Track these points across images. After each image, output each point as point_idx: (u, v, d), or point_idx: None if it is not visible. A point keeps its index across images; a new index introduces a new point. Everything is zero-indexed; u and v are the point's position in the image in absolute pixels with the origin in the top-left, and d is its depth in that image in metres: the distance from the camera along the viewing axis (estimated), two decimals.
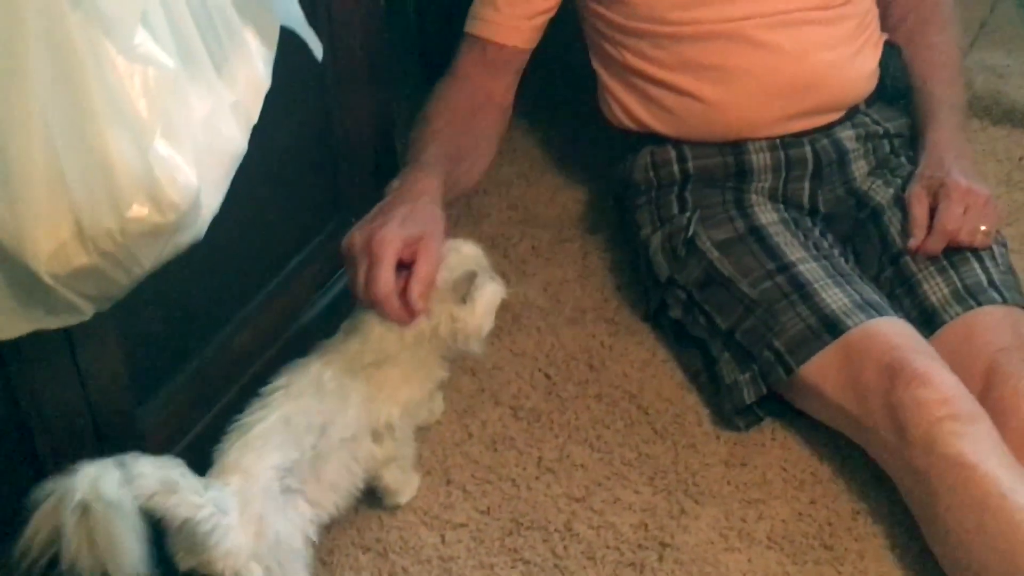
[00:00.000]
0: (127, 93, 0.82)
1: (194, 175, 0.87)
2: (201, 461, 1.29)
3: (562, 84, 2.07)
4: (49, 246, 0.84)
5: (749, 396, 1.46)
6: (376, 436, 1.31)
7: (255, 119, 1.01)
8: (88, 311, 0.92)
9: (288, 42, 1.08)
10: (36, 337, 0.94)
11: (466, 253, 1.35)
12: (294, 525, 1.22)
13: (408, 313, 1.27)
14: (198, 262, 1.19)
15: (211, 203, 0.95)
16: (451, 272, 1.31)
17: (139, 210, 0.84)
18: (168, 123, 0.85)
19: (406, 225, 1.30)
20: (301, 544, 1.23)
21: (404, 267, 1.28)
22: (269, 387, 1.28)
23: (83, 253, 0.85)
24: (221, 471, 1.20)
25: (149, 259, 0.89)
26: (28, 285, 0.87)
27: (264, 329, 1.40)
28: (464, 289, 1.31)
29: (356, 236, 1.30)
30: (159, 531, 1.10)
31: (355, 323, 1.33)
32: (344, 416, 1.27)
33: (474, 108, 1.59)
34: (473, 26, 1.63)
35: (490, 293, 1.34)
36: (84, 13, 0.80)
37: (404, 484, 1.39)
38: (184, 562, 1.15)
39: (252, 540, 1.17)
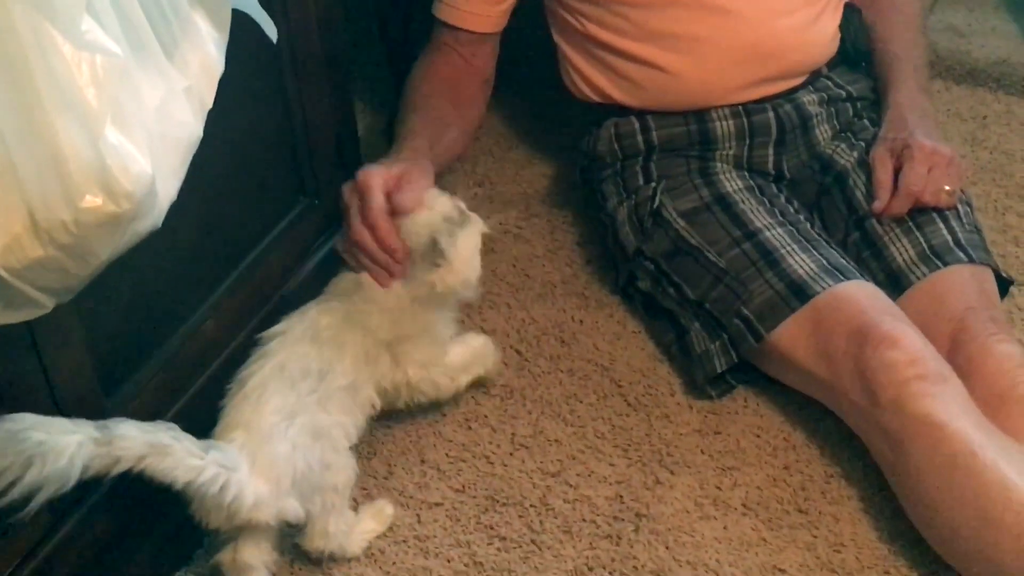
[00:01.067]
0: (75, 82, 0.81)
1: (148, 163, 0.86)
2: None
3: (526, 60, 2.05)
4: (2, 240, 0.83)
5: (720, 365, 1.46)
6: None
7: (210, 104, 1.00)
8: (48, 304, 0.91)
9: (242, 26, 1.07)
10: None
11: (435, 210, 1.35)
12: (318, 449, 1.24)
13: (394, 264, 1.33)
14: (161, 251, 1.19)
15: (168, 191, 0.94)
16: (422, 228, 1.34)
17: (92, 200, 0.83)
18: (118, 111, 0.84)
19: (388, 163, 1.38)
20: (337, 459, 1.27)
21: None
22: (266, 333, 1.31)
23: (38, 246, 0.84)
24: (224, 428, 1.21)
25: (106, 249, 0.88)
26: None
27: (231, 316, 1.39)
28: (435, 254, 1.32)
29: (346, 184, 1.37)
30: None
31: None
32: (342, 364, 1.30)
33: (457, 77, 1.63)
34: (440, 10, 1.64)
35: (463, 241, 1.35)
36: (28, 1, 0.79)
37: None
38: (213, 523, 1.18)
39: (273, 486, 1.19)
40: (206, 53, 0.99)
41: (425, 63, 1.64)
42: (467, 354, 1.45)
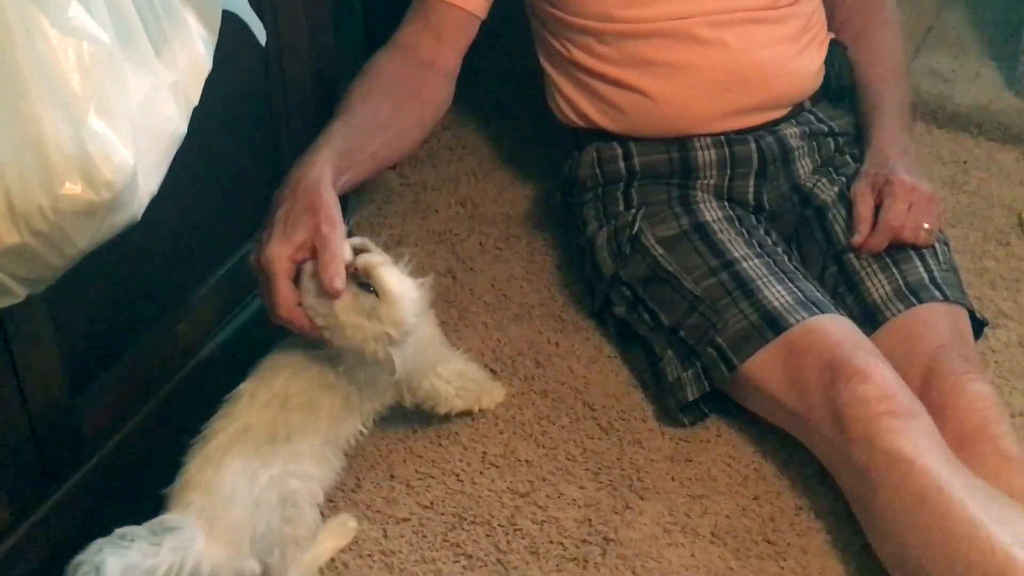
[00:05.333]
0: (60, 67, 0.80)
1: (130, 154, 0.85)
2: (138, 453, 1.28)
3: (512, 83, 2.07)
4: None
5: (692, 393, 1.46)
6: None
7: (195, 102, 0.99)
8: (21, 293, 0.90)
9: (230, 26, 1.07)
10: None
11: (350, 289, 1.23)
12: (281, 507, 1.22)
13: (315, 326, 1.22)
14: (137, 250, 1.18)
15: (149, 184, 0.93)
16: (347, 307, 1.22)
17: (72, 188, 0.82)
18: (103, 99, 0.83)
19: (289, 228, 1.23)
20: (300, 515, 1.24)
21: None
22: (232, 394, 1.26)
23: (14, 231, 0.83)
24: (183, 488, 1.19)
25: (83, 239, 0.87)
26: None
27: (206, 320, 1.38)
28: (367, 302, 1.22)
29: (251, 258, 1.26)
30: None
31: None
32: (315, 425, 1.27)
33: (408, 77, 1.53)
34: None
35: (387, 277, 1.22)
36: None
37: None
38: None
39: (232, 550, 1.17)
40: (194, 51, 0.99)
41: (373, 64, 1.53)
42: (470, 373, 1.46)
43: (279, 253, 1.23)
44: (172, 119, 0.95)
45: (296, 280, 1.23)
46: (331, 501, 1.38)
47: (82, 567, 1.06)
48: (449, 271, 1.73)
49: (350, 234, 1.26)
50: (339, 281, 1.19)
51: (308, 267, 1.22)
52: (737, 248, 1.50)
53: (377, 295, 1.21)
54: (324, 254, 1.21)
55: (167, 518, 1.16)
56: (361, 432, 1.33)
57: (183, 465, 1.21)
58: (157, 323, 1.31)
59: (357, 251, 1.24)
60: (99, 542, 1.08)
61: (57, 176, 0.82)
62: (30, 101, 0.80)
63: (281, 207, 1.27)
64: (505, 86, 2.06)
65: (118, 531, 1.11)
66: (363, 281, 1.22)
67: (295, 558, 1.27)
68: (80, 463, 1.21)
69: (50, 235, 0.85)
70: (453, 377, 1.43)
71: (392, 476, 1.43)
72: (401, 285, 1.22)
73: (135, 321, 1.29)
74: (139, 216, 0.93)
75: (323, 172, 1.31)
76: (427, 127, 1.57)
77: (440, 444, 1.47)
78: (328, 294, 1.19)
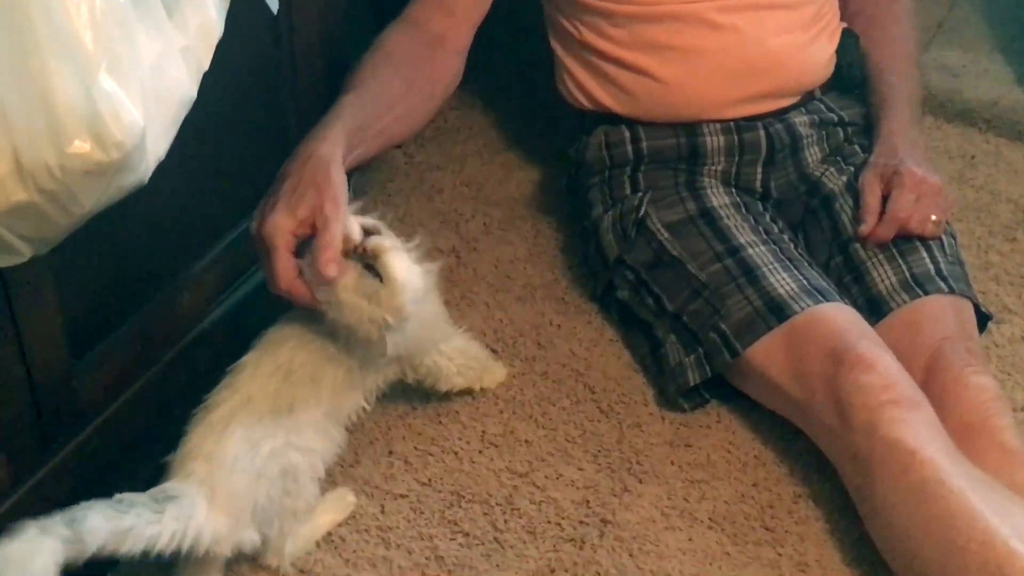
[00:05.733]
0: (72, 23, 0.79)
1: (140, 114, 0.85)
2: (137, 422, 1.28)
3: (520, 65, 2.06)
4: None
5: (694, 378, 1.46)
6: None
7: (206, 66, 0.98)
8: (26, 253, 0.90)
9: None
10: None
11: (350, 272, 1.22)
12: (282, 480, 1.22)
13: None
14: (142, 216, 1.18)
15: (157, 147, 0.92)
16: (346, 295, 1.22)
17: (80, 146, 0.82)
18: (114, 58, 0.82)
19: (294, 201, 1.23)
20: (299, 488, 1.24)
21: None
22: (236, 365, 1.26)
23: (21, 189, 0.83)
24: (185, 457, 1.19)
25: (90, 199, 0.87)
26: None
27: (209, 290, 1.38)
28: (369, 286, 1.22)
29: (252, 227, 1.25)
30: None
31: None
32: (317, 398, 1.26)
33: (418, 52, 1.51)
34: None
35: (393, 262, 1.22)
36: None
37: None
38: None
39: (233, 520, 1.17)
40: (206, 16, 0.98)
41: (383, 39, 1.51)
42: (473, 351, 1.46)
43: (281, 226, 1.22)
44: (182, 83, 0.95)
45: (299, 251, 1.23)
46: (329, 475, 1.37)
47: (64, 517, 1.05)
48: (453, 251, 1.73)
49: (362, 213, 1.26)
50: (332, 268, 1.19)
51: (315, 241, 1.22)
52: (743, 234, 1.49)
53: (381, 279, 1.21)
54: (322, 236, 1.20)
55: (169, 486, 1.16)
56: (364, 408, 1.33)
57: (185, 434, 1.21)
58: (159, 292, 1.31)
59: (368, 232, 1.23)
60: (92, 501, 1.08)
61: (66, 134, 0.81)
62: (41, 56, 0.79)
63: (288, 180, 1.26)
64: (513, 68, 2.05)
65: (117, 496, 1.10)
66: (369, 262, 1.21)
67: (293, 530, 1.27)
68: (79, 428, 1.20)
69: (57, 194, 0.84)
70: (455, 355, 1.43)
71: (391, 452, 1.43)
72: (406, 272, 1.22)
73: (137, 289, 1.28)
74: (146, 179, 0.92)
75: (334, 149, 1.30)
76: (437, 103, 1.56)
77: (440, 422, 1.47)
78: (320, 278, 1.19)
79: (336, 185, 1.25)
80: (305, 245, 1.23)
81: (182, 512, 1.13)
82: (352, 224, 1.22)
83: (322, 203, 1.22)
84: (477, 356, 1.47)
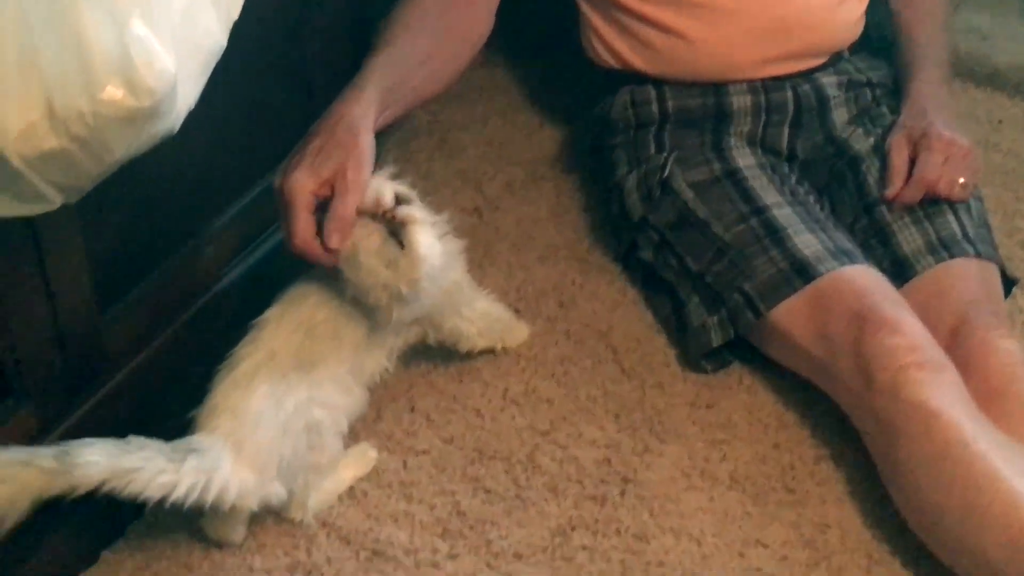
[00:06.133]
0: None
1: (171, 61, 0.84)
2: (163, 372, 1.28)
3: (543, 23, 2.04)
4: (18, 126, 0.81)
5: (716, 339, 1.46)
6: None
7: (235, 16, 0.98)
8: (56, 200, 0.90)
9: None
10: (1, 230, 0.92)
11: (372, 234, 1.22)
12: (307, 434, 1.23)
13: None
14: (169, 169, 1.17)
15: (187, 96, 0.92)
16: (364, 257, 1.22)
17: (113, 92, 0.82)
18: (146, 5, 0.82)
19: (319, 161, 1.22)
20: (323, 442, 1.25)
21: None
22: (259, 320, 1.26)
23: (53, 135, 0.83)
24: (210, 412, 1.19)
25: (121, 147, 0.87)
26: None
27: (231, 246, 1.38)
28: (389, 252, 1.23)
29: (275, 181, 1.24)
30: None
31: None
32: (338, 355, 1.26)
33: (449, 8, 1.48)
34: None
35: (416, 236, 1.22)
36: None
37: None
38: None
39: (258, 474, 1.18)
40: None
41: None
42: (495, 313, 1.46)
43: (304, 184, 1.21)
44: (212, 33, 0.94)
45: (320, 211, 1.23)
46: (352, 431, 1.37)
47: (55, 448, 1.07)
48: (475, 210, 1.72)
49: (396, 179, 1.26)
50: (336, 239, 1.19)
51: None
52: (769, 195, 1.49)
53: (402, 248, 1.21)
54: (337, 203, 1.20)
55: (194, 439, 1.16)
56: (386, 369, 1.33)
57: (210, 389, 1.21)
58: (184, 245, 1.31)
59: (400, 200, 1.23)
60: (98, 439, 1.09)
61: (99, 80, 0.81)
62: (74, 3, 0.79)
63: (317, 138, 1.25)
64: (537, 26, 2.04)
65: (134, 439, 1.11)
66: (396, 230, 1.22)
67: (316, 484, 1.27)
68: (105, 379, 1.21)
69: (89, 141, 0.84)
70: (476, 318, 1.43)
71: (413, 409, 1.43)
72: (429, 248, 1.22)
73: (162, 241, 1.28)
74: (176, 128, 0.92)
75: (367, 112, 1.29)
76: (467, 60, 1.54)
77: (461, 380, 1.47)
78: (324, 245, 1.19)
79: (363, 150, 1.25)
80: (325, 205, 1.23)
81: (204, 465, 1.14)
82: (386, 189, 1.22)
83: (346, 167, 1.22)
84: (499, 318, 1.47)
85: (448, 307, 1.38)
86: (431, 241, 1.23)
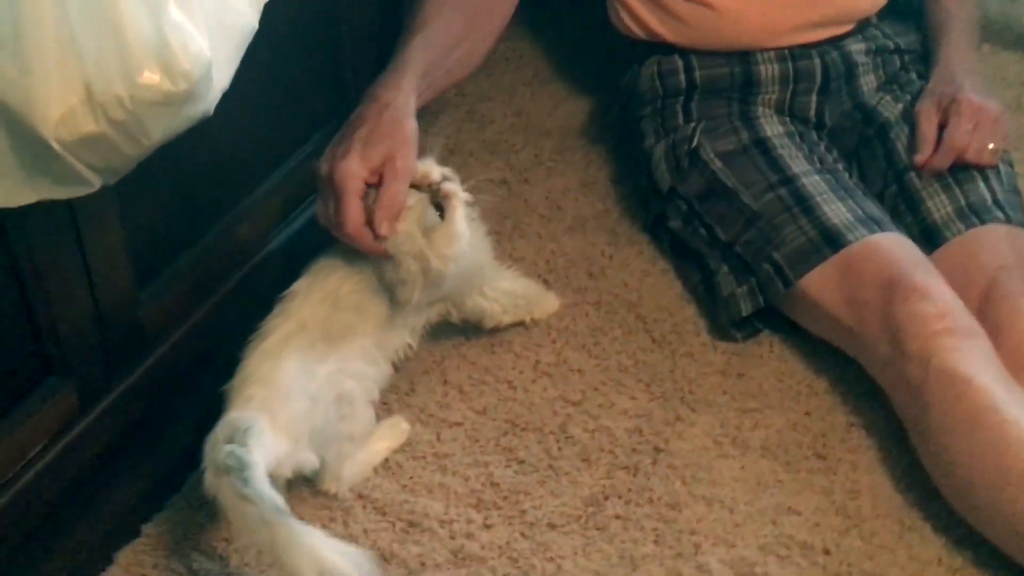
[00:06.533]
0: None
1: (206, 45, 0.86)
2: (200, 347, 1.30)
3: None
4: (58, 111, 0.82)
5: (746, 308, 1.46)
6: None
7: None
8: (95, 183, 0.91)
9: None
10: (41, 211, 0.94)
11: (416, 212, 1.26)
12: (337, 403, 1.25)
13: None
14: (204, 147, 1.19)
15: (222, 78, 0.93)
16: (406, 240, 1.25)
17: (150, 77, 0.83)
18: None
19: (368, 149, 1.24)
20: (355, 411, 1.27)
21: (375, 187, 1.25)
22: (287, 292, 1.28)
23: (91, 120, 0.84)
24: (242, 382, 1.21)
25: (158, 130, 0.88)
26: (35, 152, 0.85)
27: (265, 221, 1.39)
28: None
29: (323, 167, 1.26)
30: None
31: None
32: (364, 327, 1.28)
33: None
34: None
35: (458, 214, 1.27)
36: None
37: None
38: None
39: (292, 443, 1.20)
40: None
41: None
42: (520, 290, 1.47)
43: (355, 171, 1.23)
44: (245, 14, 0.95)
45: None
46: (385, 403, 1.40)
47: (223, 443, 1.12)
48: (504, 181, 1.73)
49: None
50: (387, 227, 1.22)
51: None
52: (797, 164, 1.49)
53: (442, 219, 1.25)
54: (387, 191, 1.23)
55: (234, 417, 1.17)
56: (409, 345, 1.35)
57: (241, 361, 1.23)
58: (219, 222, 1.32)
59: (445, 179, 1.27)
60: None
61: (136, 65, 0.82)
62: None
63: (364, 126, 1.27)
64: None
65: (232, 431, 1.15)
66: (438, 202, 1.25)
67: (350, 455, 1.29)
68: (144, 355, 1.23)
69: (126, 125, 0.86)
70: (500, 296, 1.44)
71: (446, 382, 1.45)
72: (465, 227, 1.27)
73: (197, 219, 1.30)
74: (212, 110, 0.94)
75: (409, 99, 1.31)
76: (495, 39, 1.54)
77: (493, 352, 1.49)
78: (374, 233, 1.22)
79: (409, 138, 1.27)
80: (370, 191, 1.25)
81: (243, 438, 1.14)
82: (433, 166, 1.27)
83: (395, 154, 1.24)
84: (525, 294, 1.48)
85: (468, 287, 1.40)
86: (466, 223, 1.27)
